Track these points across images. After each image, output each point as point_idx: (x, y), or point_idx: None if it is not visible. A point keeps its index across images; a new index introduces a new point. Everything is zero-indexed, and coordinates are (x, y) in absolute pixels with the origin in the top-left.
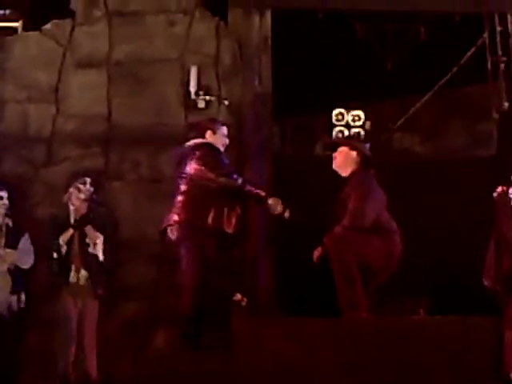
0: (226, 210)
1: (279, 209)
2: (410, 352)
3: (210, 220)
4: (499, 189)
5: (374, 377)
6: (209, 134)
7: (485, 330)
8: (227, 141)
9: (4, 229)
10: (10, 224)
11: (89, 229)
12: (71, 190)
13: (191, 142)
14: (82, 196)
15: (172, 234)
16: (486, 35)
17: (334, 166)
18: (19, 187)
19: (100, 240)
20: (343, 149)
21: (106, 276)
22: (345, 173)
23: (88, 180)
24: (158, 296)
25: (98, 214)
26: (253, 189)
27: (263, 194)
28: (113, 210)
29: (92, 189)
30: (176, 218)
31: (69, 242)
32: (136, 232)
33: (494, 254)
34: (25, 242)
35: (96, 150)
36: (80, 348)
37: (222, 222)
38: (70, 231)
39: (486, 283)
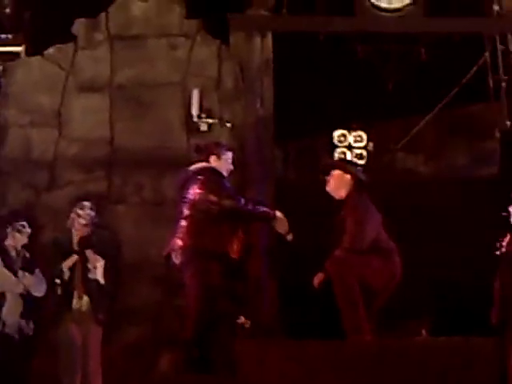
0: (229, 234)
1: (285, 228)
2: (414, 374)
3: (213, 245)
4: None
5: None
6: (213, 158)
7: (488, 350)
8: (232, 167)
9: (22, 257)
10: (27, 255)
11: (89, 252)
12: (72, 215)
13: (194, 167)
14: (83, 221)
15: (176, 258)
16: (487, 54)
17: (327, 189)
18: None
19: (101, 264)
20: (337, 172)
21: (107, 301)
22: (338, 196)
23: (87, 204)
24: (162, 319)
25: (100, 238)
26: (258, 208)
27: (270, 211)
28: (116, 233)
29: (92, 213)
30: (180, 242)
31: (71, 268)
32: (139, 255)
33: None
34: (39, 273)
35: (99, 173)
36: (85, 374)
37: (226, 247)
38: (74, 257)
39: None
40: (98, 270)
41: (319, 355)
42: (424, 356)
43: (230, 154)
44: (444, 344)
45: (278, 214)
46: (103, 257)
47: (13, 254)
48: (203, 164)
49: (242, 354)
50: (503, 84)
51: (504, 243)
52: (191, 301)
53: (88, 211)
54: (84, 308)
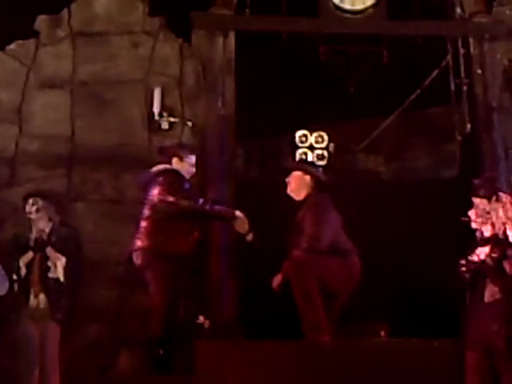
0: (186, 235)
1: (246, 227)
2: (372, 374)
3: (170, 246)
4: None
5: None
6: (175, 160)
7: (446, 351)
8: (194, 170)
9: None
10: None
11: (49, 251)
12: None
13: (155, 168)
14: (30, 216)
15: (137, 259)
16: (449, 57)
17: (288, 191)
18: None
19: (61, 262)
20: (297, 173)
21: (66, 299)
22: (299, 197)
23: (30, 200)
24: (121, 318)
25: (61, 235)
26: (217, 208)
27: (229, 211)
28: (76, 230)
29: (34, 207)
30: (139, 243)
31: (29, 265)
32: (99, 253)
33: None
34: (0, 269)
35: (59, 170)
36: (42, 371)
37: (183, 248)
38: (30, 254)
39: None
40: (58, 268)
41: (278, 355)
42: (382, 357)
43: (193, 158)
44: (402, 345)
45: (238, 213)
46: (64, 255)
47: None
48: (164, 166)
49: (201, 355)
50: (464, 87)
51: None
52: (155, 300)
53: (29, 206)
54: (41, 306)
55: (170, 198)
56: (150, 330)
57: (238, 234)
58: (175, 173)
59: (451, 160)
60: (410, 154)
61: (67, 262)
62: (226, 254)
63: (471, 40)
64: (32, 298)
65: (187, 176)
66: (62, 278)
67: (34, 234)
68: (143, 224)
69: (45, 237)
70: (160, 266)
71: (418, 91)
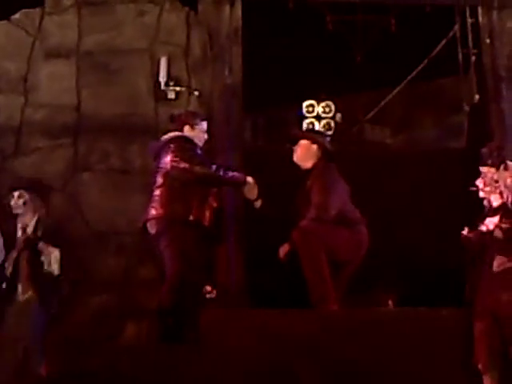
0: (202, 202)
1: (255, 194)
2: (380, 344)
3: (187, 213)
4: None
5: (343, 368)
6: (187, 128)
7: (454, 321)
8: (206, 136)
9: None
10: None
11: (41, 246)
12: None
13: (167, 136)
14: (14, 211)
15: (151, 228)
16: (457, 27)
17: (294, 159)
18: None
19: (55, 255)
20: (304, 142)
21: (59, 292)
22: (306, 166)
23: (16, 193)
24: (128, 289)
25: (47, 228)
26: (230, 173)
27: (241, 176)
28: (81, 201)
29: (20, 201)
30: (154, 212)
31: (15, 263)
32: (105, 223)
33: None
34: None
35: (65, 140)
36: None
37: (199, 215)
38: (13, 254)
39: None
40: (52, 261)
41: (285, 325)
42: (390, 326)
43: (204, 124)
44: (410, 315)
45: (249, 179)
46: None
47: None
48: (175, 133)
49: (207, 324)
50: (472, 58)
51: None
52: (168, 270)
53: (16, 200)
54: (30, 300)
55: (183, 165)
56: (161, 300)
57: (246, 201)
58: (187, 139)
59: (459, 131)
60: (418, 125)
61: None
62: (233, 222)
63: (479, 9)
64: (19, 293)
65: (199, 143)
66: (56, 272)
67: (18, 229)
68: (157, 192)
69: (30, 232)
70: (175, 234)
71: (426, 61)
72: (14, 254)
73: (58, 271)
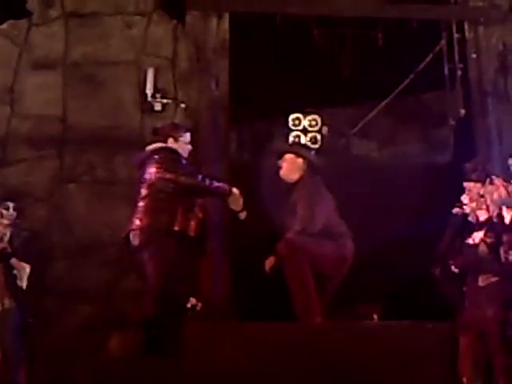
0: (186, 212)
1: (240, 205)
2: (365, 357)
3: (171, 224)
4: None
5: (328, 381)
6: (170, 140)
7: (439, 335)
8: (190, 147)
9: None
10: None
11: (14, 261)
12: None
13: (151, 146)
14: (5, 221)
15: (134, 239)
16: (443, 42)
17: (280, 173)
18: None
19: (25, 271)
20: (289, 156)
21: (32, 304)
22: (291, 180)
23: (11, 205)
24: (112, 300)
25: (23, 241)
26: (215, 183)
27: (226, 187)
28: (66, 212)
29: (15, 213)
30: (138, 222)
31: None
32: (90, 235)
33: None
34: None
35: (51, 151)
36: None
37: (184, 226)
38: None
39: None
40: (22, 276)
41: (270, 338)
42: (375, 340)
43: (187, 135)
44: (395, 328)
45: (234, 190)
46: (27, 261)
47: None
48: (160, 144)
49: (192, 336)
50: (458, 72)
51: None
52: (151, 281)
53: (11, 211)
54: (6, 307)
55: (168, 175)
56: (144, 311)
57: (231, 213)
58: (171, 150)
59: (444, 145)
60: (403, 139)
61: (31, 269)
62: (218, 234)
63: (466, 24)
64: None
65: (184, 154)
66: (24, 286)
67: None
68: (141, 203)
69: (6, 242)
70: (159, 245)
71: (412, 75)
72: None
73: (25, 286)
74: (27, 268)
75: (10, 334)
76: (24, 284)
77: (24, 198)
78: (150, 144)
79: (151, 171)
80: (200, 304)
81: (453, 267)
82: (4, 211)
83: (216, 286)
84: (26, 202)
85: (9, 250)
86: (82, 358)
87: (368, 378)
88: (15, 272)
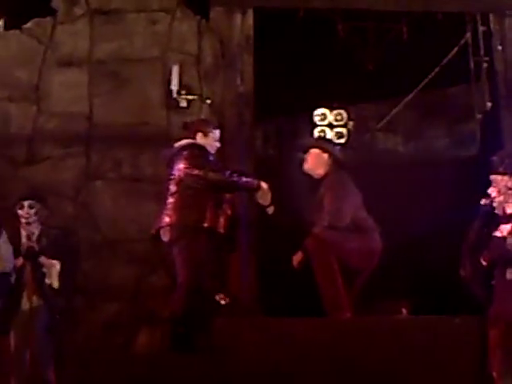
0: (215, 209)
1: (268, 199)
2: (394, 352)
3: (200, 220)
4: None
5: (357, 377)
6: (200, 135)
7: (468, 329)
8: (218, 144)
9: None
10: None
11: (43, 259)
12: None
13: (179, 143)
14: (23, 220)
15: (164, 235)
16: (468, 35)
17: (305, 168)
18: None
19: (55, 268)
20: (314, 151)
21: (61, 303)
22: (316, 174)
23: (26, 203)
24: (139, 297)
25: (52, 239)
26: (243, 178)
27: (255, 182)
28: (94, 211)
29: (32, 211)
30: (167, 219)
31: (20, 271)
32: (116, 231)
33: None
34: (4, 243)
35: (77, 149)
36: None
37: (214, 222)
38: (20, 261)
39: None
40: (52, 274)
41: (299, 333)
42: (404, 335)
43: (217, 133)
44: (424, 323)
45: (263, 184)
46: (57, 258)
47: None
48: (188, 140)
49: (220, 332)
50: (484, 65)
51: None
52: (180, 277)
53: (27, 210)
54: (34, 305)
55: (197, 171)
56: (172, 308)
57: (259, 208)
58: (199, 146)
59: (471, 139)
60: (429, 133)
61: (62, 267)
62: (246, 230)
63: (491, 16)
64: (24, 301)
65: (212, 150)
66: (55, 285)
67: (24, 238)
68: (170, 200)
69: (34, 241)
70: (188, 241)
71: (438, 69)
72: (18, 263)
73: (57, 285)
74: (57, 265)
75: (39, 333)
76: (55, 282)
77: (51, 195)
78: (177, 140)
79: (180, 168)
80: (227, 300)
81: (481, 260)
82: (19, 211)
83: (243, 281)
84: (53, 200)
85: (36, 248)
86: (110, 356)
87: (396, 373)
88: (44, 270)
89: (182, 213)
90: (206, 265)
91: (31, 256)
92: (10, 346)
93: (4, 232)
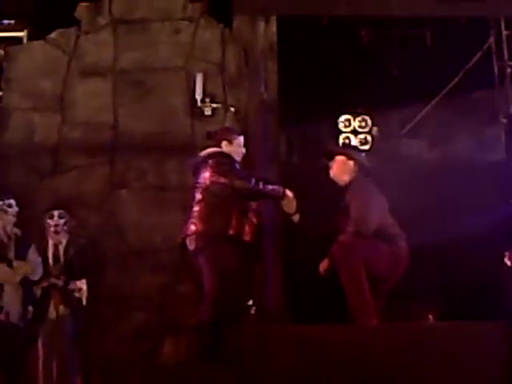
0: (241, 217)
1: (293, 207)
2: (420, 358)
3: (226, 228)
4: None
5: (385, 383)
6: (224, 143)
7: (496, 335)
8: (244, 150)
9: (13, 238)
10: (19, 233)
11: (70, 287)
12: (45, 225)
13: (205, 152)
14: (52, 229)
15: (190, 244)
16: (492, 39)
17: (331, 175)
18: (25, 196)
19: (83, 290)
20: (340, 158)
21: (86, 315)
22: (342, 181)
23: (56, 212)
24: (165, 306)
25: (79, 249)
26: (268, 186)
27: (280, 189)
28: (118, 219)
29: (61, 221)
30: (193, 228)
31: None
32: (142, 240)
33: None
34: (33, 253)
35: (102, 158)
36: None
37: (239, 230)
38: (44, 284)
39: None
40: (82, 292)
41: (325, 340)
42: (431, 341)
43: (241, 139)
44: (451, 329)
45: (288, 192)
46: (83, 272)
47: (4, 239)
48: (213, 148)
49: (247, 340)
50: (508, 69)
51: None
52: (207, 286)
53: (56, 219)
54: (60, 313)
55: (223, 180)
56: (200, 316)
57: (284, 216)
58: (225, 154)
59: (495, 143)
60: (454, 138)
61: (88, 276)
62: (271, 238)
63: None
64: (51, 310)
65: (237, 158)
66: (84, 302)
67: (50, 248)
68: (196, 208)
69: (62, 250)
70: (214, 249)
71: (462, 74)
72: (44, 284)
73: (85, 302)
74: (84, 286)
75: (66, 342)
76: (83, 299)
77: (76, 205)
78: (202, 149)
79: (205, 176)
80: (254, 307)
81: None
82: (49, 221)
83: (270, 289)
84: (78, 210)
85: (60, 284)
86: (137, 365)
87: (424, 381)
88: (71, 286)
89: (207, 221)
90: (232, 273)
91: (67, 266)
92: (38, 355)
93: (33, 244)
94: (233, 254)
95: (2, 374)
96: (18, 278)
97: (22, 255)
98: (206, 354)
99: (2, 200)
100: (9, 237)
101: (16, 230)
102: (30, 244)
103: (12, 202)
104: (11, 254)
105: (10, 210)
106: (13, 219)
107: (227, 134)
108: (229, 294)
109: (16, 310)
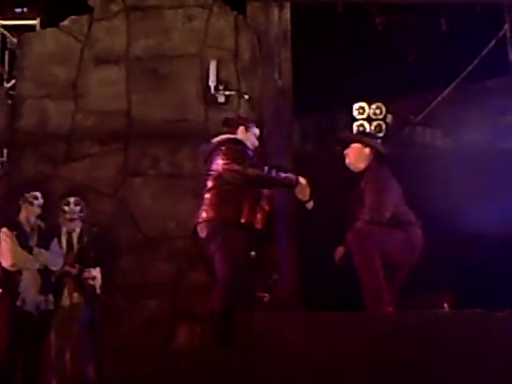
0: (253, 205)
1: (307, 194)
2: (436, 346)
3: (238, 216)
4: None
5: (398, 371)
6: (241, 129)
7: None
8: (257, 142)
9: (36, 229)
10: (43, 226)
11: (85, 276)
12: (60, 212)
13: (218, 138)
14: (67, 216)
15: (202, 231)
16: (506, 26)
17: (346, 162)
18: (38, 184)
19: (97, 279)
20: (356, 145)
21: (100, 303)
22: (358, 169)
23: (72, 199)
24: (179, 293)
25: (93, 237)
26: (282, 174)
27: (294, 177)
28: (132, 206)
29: (77, 208)
30: (205, 215)
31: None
32: (155, 228)
33: None
34: (55, 244)
35: (115, 146)
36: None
37: (251, 218)
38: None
39: None
40: (96, 280)
41: (339, 327)
42: (446, 329)
43: (257, 130)
44: (466, 317)
45: (302, 179)
46: (97, 260)
47: (27, 228)
48: (227, 135)
49: (261, 327)
50: None
51: None
52: (219, 273)
53: (72, 207)
54: (74, 301)
55: (236, 167)
56: (212, 304)
57: (298, 204)
58: (239, 141)
59: (510, 132)
60: (468, 126)
61: (101, 264)
62: (285, 225)
63: None
64: (65, 298)
65: (250, 147)
66: (98, 290)
67: (64, 235)
68: (208, 195)
69: (75, 238)
70: (226, 237)
71: (477, 62)
72: (62, 272)
73: (99, 291)
74: (98, 275)
75: (79, 329)
76: (97, 287)
77: (89, 192)
78: (216, 136)
79: (218, 163)
80: (267, 295)
81: None
82: (65, 207)
83: (284, 277)
84: (92, 197)
85: (74, 272)
86: (150, 352)
87: (439, 368)
88: (85, 273)
89: (219, 208)
90: (244, 260)
91: (80, 255)
92: (51, 343)
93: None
94: (244, 241)
95: (18, 361)
96: (36, 265)
97: (44, 246)
98: (219, 341)
99: (28, 192)
100: (32, 228)
101: (40, 222)
102: (54, 235)
103: (38, 194)
104: (32, 242)
105: (35, 201)
106: (38, 211)
107: (245, 121)
108: (241, 281)
109: (32, 298)
